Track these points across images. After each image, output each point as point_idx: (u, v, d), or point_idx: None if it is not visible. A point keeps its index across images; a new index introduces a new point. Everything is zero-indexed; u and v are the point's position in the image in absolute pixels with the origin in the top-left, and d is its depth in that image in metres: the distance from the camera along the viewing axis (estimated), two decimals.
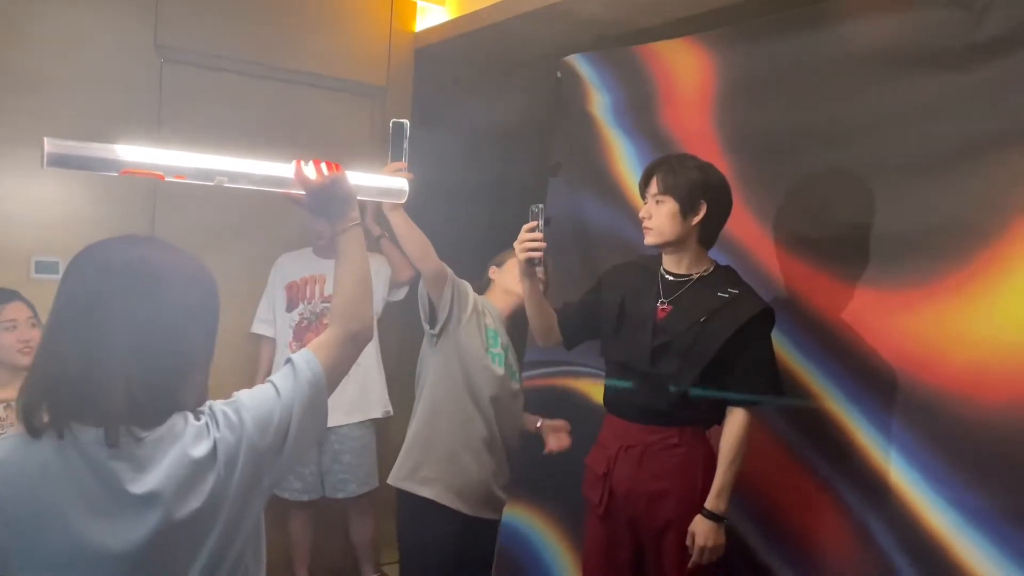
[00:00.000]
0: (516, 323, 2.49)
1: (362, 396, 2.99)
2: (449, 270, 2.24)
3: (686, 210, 1.95)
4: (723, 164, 2.27)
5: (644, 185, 2.03)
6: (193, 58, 3.02)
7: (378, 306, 3.00)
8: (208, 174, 1.26)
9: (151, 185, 2.91)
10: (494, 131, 3.67)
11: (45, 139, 1.11)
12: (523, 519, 2.80)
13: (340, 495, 2.99)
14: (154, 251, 1.08)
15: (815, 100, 2.11)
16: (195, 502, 1.01)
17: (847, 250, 2.03)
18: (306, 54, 3.23)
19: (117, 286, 1.02)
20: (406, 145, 1.64)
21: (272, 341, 3.06)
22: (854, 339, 1.99)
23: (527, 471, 2.70)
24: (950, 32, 1.81)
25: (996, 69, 1.73)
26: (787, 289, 2.16)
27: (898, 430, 1.89)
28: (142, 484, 0.98)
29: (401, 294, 3.12)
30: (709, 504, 1.90)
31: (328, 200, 1.28)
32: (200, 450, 1.02)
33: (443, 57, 3.48)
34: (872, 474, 1.93)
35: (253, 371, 3.06)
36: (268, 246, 3.12)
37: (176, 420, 1.04)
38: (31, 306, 2.22)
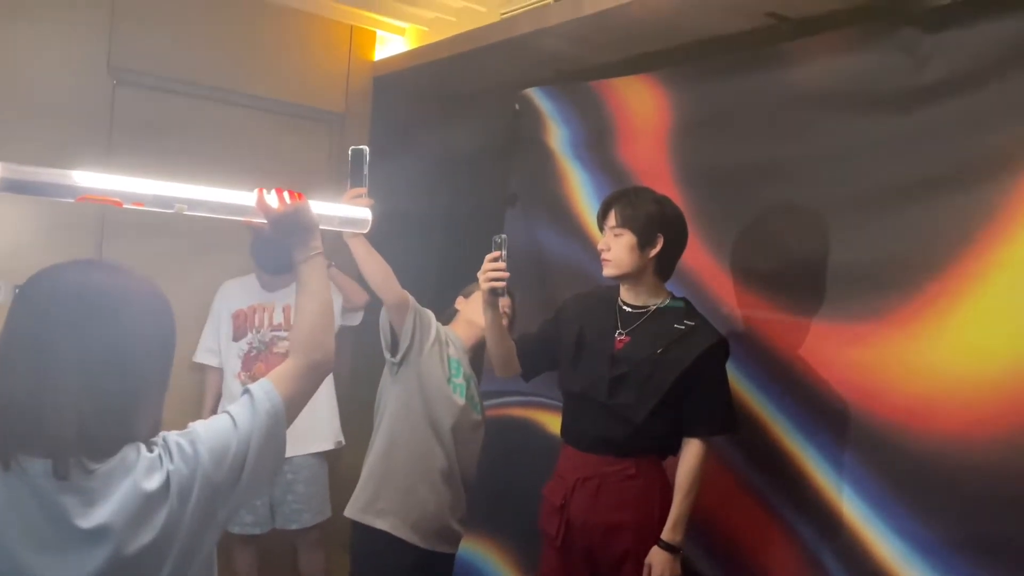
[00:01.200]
0: (479, 354, 2.48)
1: (314, 425, 2.92)
2: (411, 298, 2.23)
3: (643, 243, 1.98)
4: (677, 198, 2.31)
5: (602, 217, 2.06)
6: (147, 80, 2.98)
7: None
8: (167, 201, 1.23)
9: (99, 210, 2.84)
10: (452, 160, 3.68)
11: (0, 163, 1.08)
12: (477, 552, 2.76)
13: (293, 526, 2.91)
14: (107, 277, 1.05)
15: (767, 137, 2.18)
16: (147, 536, 0.97)
17: (798, 283, 2.08)
18: (264, 79, 3.20)
19: (67, 313, 0.99)
20: (366, 171, 1.63)
21: (218, 371, 2.97)
22: (806, 371, 2.03)
23: (481, 502, 2.68)
24: (894, 76, 1.89)
25: (937, 111, 1.80)
26: (740, 321, 2.20)
27: (849, 462, 1.92)
28: (91, 518, 0.95)
29: (357, 319, 3.08)
30: (665, 535, 1.91)
31: (290, 229, 1.26)
32: (152, 482, 0.99)
33: (402, 86, 3.49)
34: (824, 505, 1.96)
35: (198, 402, 2.97)
36: (217, 273, 3.06)
37: (128, 452, 1.00)
38: None
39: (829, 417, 1.96)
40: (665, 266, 2.05)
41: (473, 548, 2.76)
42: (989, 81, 1.72)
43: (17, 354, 0.98)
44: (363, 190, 1.83)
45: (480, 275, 1.98)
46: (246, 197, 1.27)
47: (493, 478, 2.71)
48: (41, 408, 0.96)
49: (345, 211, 1.49)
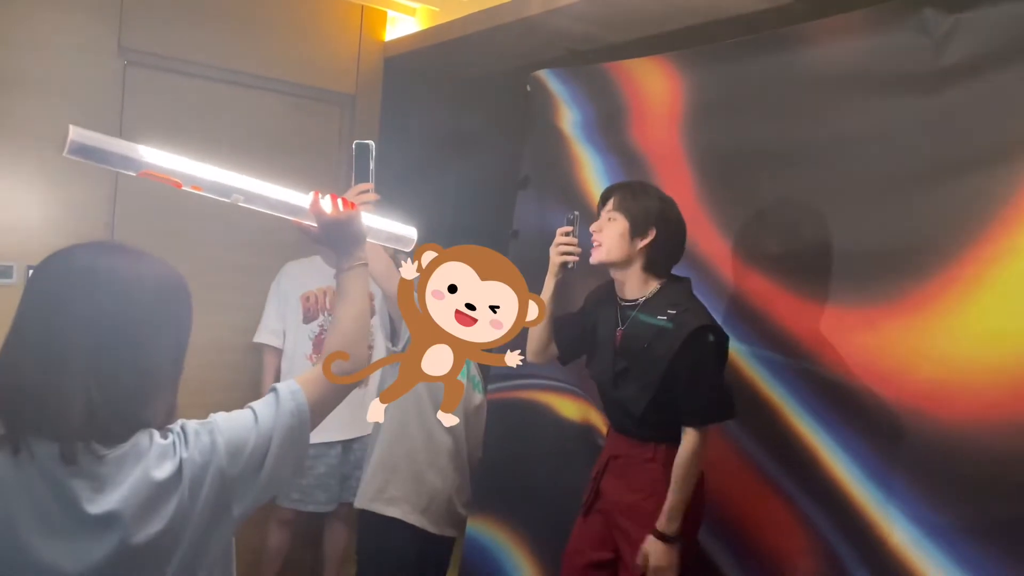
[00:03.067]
0: None
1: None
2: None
3: (635, 232, 1.97)
4: (690, 181, 2.30)
5: (602, 202, 2.06)
6: (158, 61, 2.97)
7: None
8: (225, 190, 1.22)
9: (109, 190, 2.85)
10: (463, 141, 3.66)
11: (71, 126, 1.08)
12: (488, 533, 2.77)
13: (351, 499, 2.92)
14: (121, 259, 1.04)
15: (781, 121, 2.14)
16: (156, 525, 0.97)
17: (811, 267, 2.06)
18: (274, 60, 3.19)
19: (80, 296, 0.98)
20: (372, 166, 1.58)
21: (278, 352, 2.96)
22: (819, 355, 2.01)
23: (492, 485, 2.68)
24: (912, 58, 1.85)
25: (956, 94, 1.77)
26: (750, 304, 2.18)
27: (860, 447, 1.91)
28: (100, 504, 0.95)
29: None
30: (660, 525, 1.90)
31: (339, 236, 1.25)
32: (164, 471, 0.98)
33: (413, 67, 3.47)
34: (835, 491, 1.94)
35: (254, 383, 2.98)
36: (231, 255, 3.07)
37: (140, 438, 1.00)
38: None
39: (842, 401, 1.95)
40: (656, 260, 2.00)
41: (484, 529, 2.77)
42: (1009, 63, 1.68)
43: (28, 336, 0.98)
44: (369, 185, 1.72)
45: (552, 248, 2.03)
46: (301, 198, 1.27)
47: (504, 461, 2.71)
48: (49, 391, 0.96)
49: (393, 227, 1.43)
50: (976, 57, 1.74)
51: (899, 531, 1.81)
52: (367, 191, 1.53)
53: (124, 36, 2.86)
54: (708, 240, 2.26)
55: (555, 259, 2.03)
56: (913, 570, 1.77)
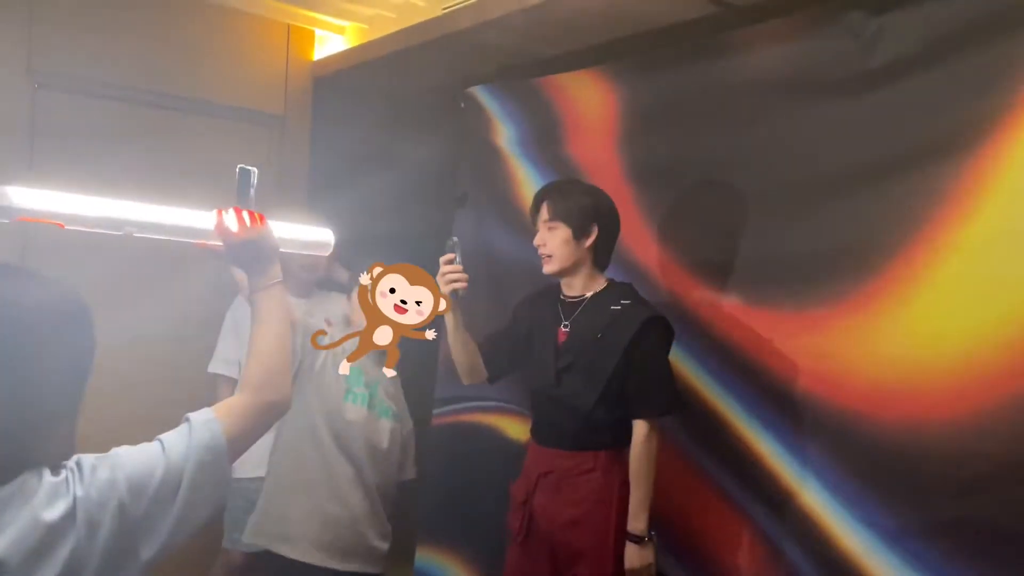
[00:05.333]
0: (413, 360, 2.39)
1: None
2: (298, 313, 2.14)
3: (578, 234, 1.98)
4: (627, 191, 2.28)
5: (534, 212, 2.05)
6: (71, 83, 2.82)
7: None
8: (115, 223, 1.14)
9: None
10: (398, 161, 3.60)
11: None
12: (437, 563, 2.69)
13: None
14: (9, 281, 0.94)
15: (715, 128, 2.15)
16: (48, 572, 0.87)
17: (751, 272, 2.06)
18: (197, 80, 3.07)
19: None
20: (252, 193, 1.50)
21: (233, 382, 2.78)
22: (759, 359, 2.01)
23: (438, 512, 2.60)
24: (841, 61, 1.87)
25: (886, 94, 1.79)
26: (691, 312, 2.17)
27: (808, 451, 1.90)
28: None
29: None
30: (630, 526, 1.88)
31: (250, 255, 1.17)
32: (55, 512, 0.88)
33: (343, 86, 3.40)
34: (783, 495, 1.93)
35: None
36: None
37: (28, 477, 0.90)
38: None
39: (784, 404, 1.95)
40: (601, 255, 2.04)
41: (432, 559, 2.68)
42: (936, 63, 1.70)
43: None
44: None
45: (439, 279, 1.93)
46: (203, 219, 1.19)
47: (452, 485, 2.64)
48: None
49: (306, 233, 1.43)
50: (903, 58, 1.76)
51: (850, 535, 1.80)
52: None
53: (33, 57, 2.72)
54: (646, 250, 2.25)
55: (443, 289, 1.93)
56: (866, 574, 1.75)
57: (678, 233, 2.23)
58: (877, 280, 1.78)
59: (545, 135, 2.60)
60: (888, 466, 1.75)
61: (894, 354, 1.74)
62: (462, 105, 2.84)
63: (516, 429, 2.56)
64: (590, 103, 2.46)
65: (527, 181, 2.67)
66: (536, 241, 2.03)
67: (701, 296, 2.16)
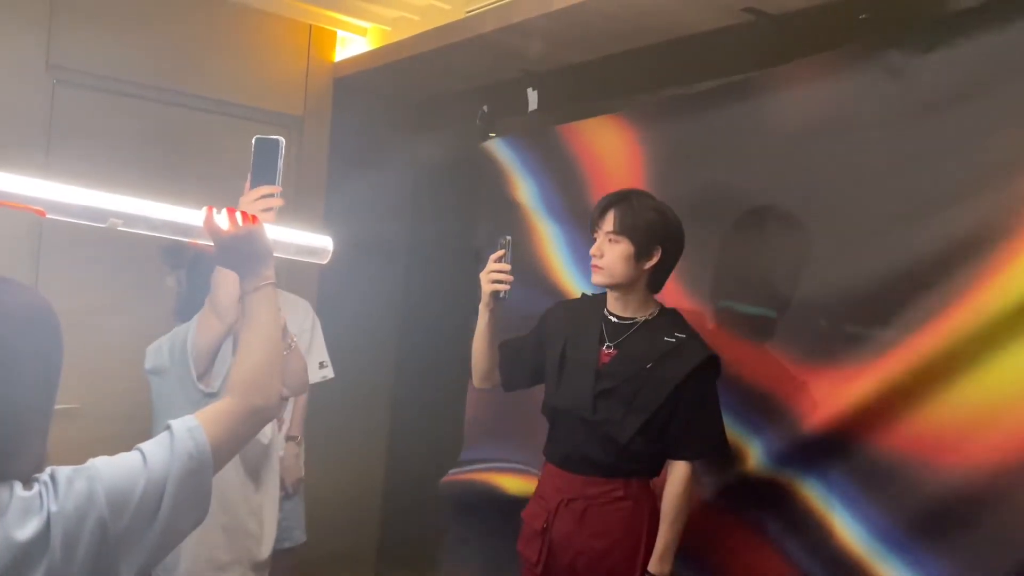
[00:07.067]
0: None
1: None
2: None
3: (640, 254, 1.85)
4: None
5: (598, 219, 1.90)
6: (90, 80, 2.79)
7: None
8: (100, 214, 1.07)
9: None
10: (416, 165, 3.56)
11: None
12: None
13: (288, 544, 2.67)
14: None
15: (745, 171, 2.07)
16: None
17: (783, 318, 1.96)
18: (216, 80, 3.04)
19: None
20: (280, 165, 1.30)
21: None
22: (783, 404, 1.91)
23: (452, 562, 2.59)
24: (875, 99, 1.79)
25: (922, 132, 1.71)
26: (735, 366, 2.03)
27: (848, 491, 1.79)
28: None
29: None
30: (653, 567, 1.79)
31: (240, 256, 1.12)
32: (28, 529, 0.83)
33: (364, 88, 3.36)
34: (817, 528, 1.83)
35: None
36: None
37: None
38: None
39: (816, 445, 1.84)
40: (658, 279, 1.92)
41: None
42: (970, 99, 1.62)
43: None
44: (275, 188, 1.32)
45: (482, 275, 1.88)
46: (192, 215, 1.13)
47: (456, 543, 2.65)
48: None
49: (304, 239, 1.29)
50: (942, 96, 1.68)
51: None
52: (270, 196, 1.27)
53: (53, 53, 2.69)
54: (675, 297, 2.12)
55: (486, 287, 1.88)
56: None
57: (707, 279, 2.13)
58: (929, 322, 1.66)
59: (567, 186, 2.52)
60: (941, 512, 1.63)
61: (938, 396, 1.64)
62: (484, 108, 2.79)
63: (519, 488, 2.52)
64: (613, 150, 2.39)
65: (549, 237, 2.59)
66: (593, 251, 1.88)
67: (726, 342, 2.03)
